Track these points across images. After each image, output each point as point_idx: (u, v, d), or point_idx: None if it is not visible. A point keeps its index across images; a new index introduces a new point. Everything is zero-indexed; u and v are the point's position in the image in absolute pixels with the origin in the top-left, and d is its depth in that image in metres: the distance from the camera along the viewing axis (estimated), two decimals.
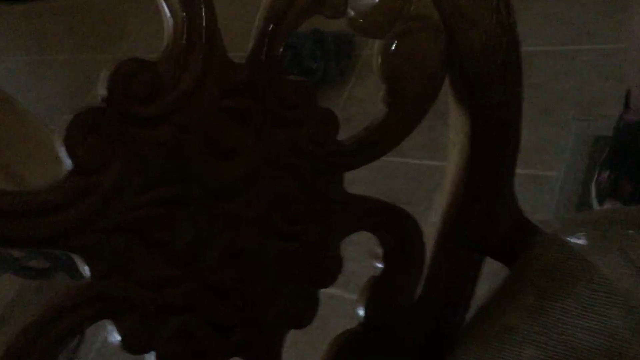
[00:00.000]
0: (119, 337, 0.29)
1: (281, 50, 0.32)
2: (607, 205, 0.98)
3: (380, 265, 0.44)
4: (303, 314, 0.39)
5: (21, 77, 2.40)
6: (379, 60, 0.36)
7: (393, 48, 0.36)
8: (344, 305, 1.11)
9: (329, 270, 0.40)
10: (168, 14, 0.28)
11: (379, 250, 0.44)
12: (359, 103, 1.43)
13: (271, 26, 0.31)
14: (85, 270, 0.28)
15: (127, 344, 0.29)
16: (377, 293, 0.44)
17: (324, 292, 0.42)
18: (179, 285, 0.32)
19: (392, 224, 0.43)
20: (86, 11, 2.45)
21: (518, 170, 0.49)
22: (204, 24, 0.29)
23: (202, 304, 0.33)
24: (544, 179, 1.10)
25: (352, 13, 0.34)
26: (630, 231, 0.47)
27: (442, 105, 0.44)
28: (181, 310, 0.32)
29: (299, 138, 0.35)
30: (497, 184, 0.46)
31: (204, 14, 0.29)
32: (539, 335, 0.44)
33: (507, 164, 0.46)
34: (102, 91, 0.27)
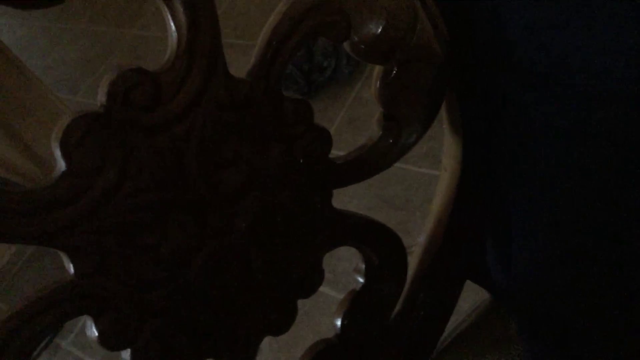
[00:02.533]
0: (96, 333, 0.30)
1: (283, 69, 0.33)
2: None
3: (361, 280, 0.45)
4: (281, 322, 0.41)
5: (38, 43, 2.41)
6: (378, 85, 0.37)
7: (392, 75, 0.37)
8: (329, 303, 1.13)
9: (311, 282, 0.41)
10: (173, 28, 0.29)
11: (362, 265, 0.45)
12: (365, 104, 1.44)
13: (274, 46, 0.32)
14: (70, 268, 0.29)
15: (104, 341, 0.30)
16: (355, 306, 0.45)
17: None
18: (162, 288, 0.33)
19: (376, 242, 0.44)
20: None
21: None
22: (207, 40, 0.29)
23: (183, 308, 0.34)
24: None
25: (356, 39, 0.34)
26: None
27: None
28: (161, 312, 0.33)
29: (294, 153, 0.36)
30: (486, 213, 0.47)
31: (208, 30, 0.29)
32: None
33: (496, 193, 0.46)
34: (101, 97, 0.28)
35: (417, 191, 1.21)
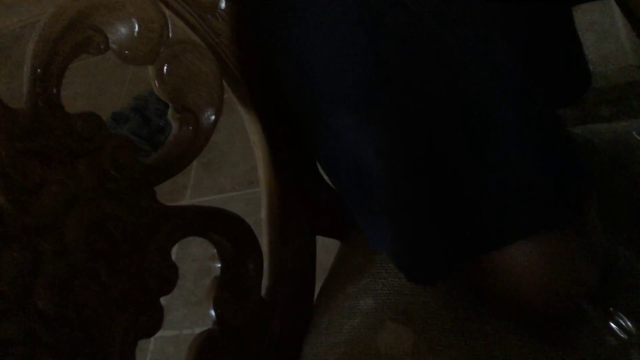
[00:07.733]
0: None
1: (57, 90, 0.37)
2: None
3: (219, 265, 0.48)
4: (150, 323, 0.43)
5: None
6: (157, 84, 0.42)
7: (165, 71, 0.41)
8: None
9: (165, 278, 0.44)
10: None
11: (214, 251, 0.48)
12: (214, 147, 1.48)
13: (40, 72, 0.36)
14: None
15: None
16: (223, 291, 0.48)
17: None
18: (13, 319, 0.34)
19: (219, 227, 0.48)
20: None
21: None
22: None
23: (42, 333, 0.36)
24: None
25: (116, 47, 0.39)
26: None
27: None
28: (21, 341, 0.34)
29: (101, 164, 0.39)
30: (303, 171, 0.52)
31: None
32: (370, 285, 0.51)
33: (307, 149, 0.52)
34: None
35: None
